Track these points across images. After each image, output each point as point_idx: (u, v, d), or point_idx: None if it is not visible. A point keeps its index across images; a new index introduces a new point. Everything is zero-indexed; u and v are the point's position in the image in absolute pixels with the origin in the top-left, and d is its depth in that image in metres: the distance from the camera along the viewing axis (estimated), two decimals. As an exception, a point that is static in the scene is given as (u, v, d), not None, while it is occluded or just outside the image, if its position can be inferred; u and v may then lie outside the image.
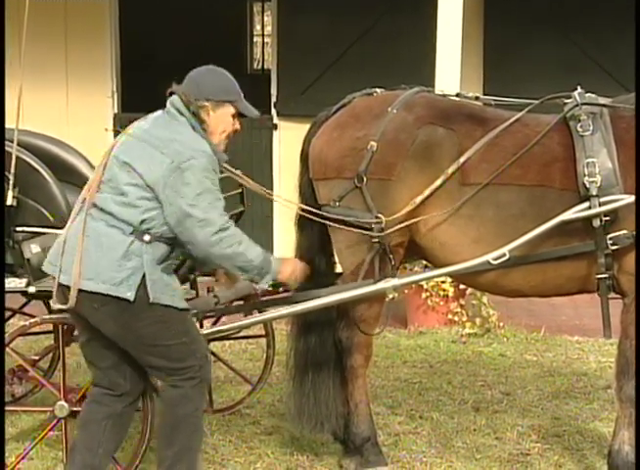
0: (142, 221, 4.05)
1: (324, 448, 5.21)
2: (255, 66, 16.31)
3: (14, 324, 5.85)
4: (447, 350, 7.14)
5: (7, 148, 4.91)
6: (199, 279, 5.36)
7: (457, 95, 4.96)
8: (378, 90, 4.91)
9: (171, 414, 4.22)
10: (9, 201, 4.90)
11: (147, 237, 4.06)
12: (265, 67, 15.56)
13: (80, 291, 4.05)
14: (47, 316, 5.07)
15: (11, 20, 5.64)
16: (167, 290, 4.12)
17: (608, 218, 4.45)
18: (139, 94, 9.17)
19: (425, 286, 7.34)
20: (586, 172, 4.46)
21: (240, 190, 5.56)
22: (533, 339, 7.37)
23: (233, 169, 4.65)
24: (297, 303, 4.73)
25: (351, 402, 4.93)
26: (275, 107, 9.13)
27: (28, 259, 4.96)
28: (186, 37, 12.93)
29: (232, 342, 6.73)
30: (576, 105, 4.61)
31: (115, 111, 9.30)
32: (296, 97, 8.86)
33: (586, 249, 4.51)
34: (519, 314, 7.79)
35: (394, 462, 5.09)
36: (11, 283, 4.94)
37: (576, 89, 4.71)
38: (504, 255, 4.49)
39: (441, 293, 7.40)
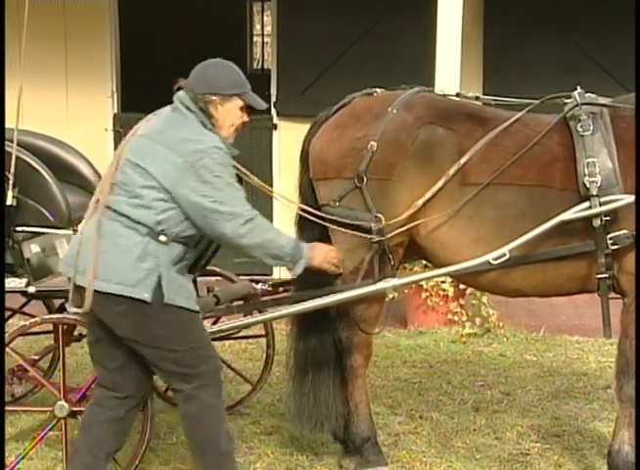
0: (158, 222, 4.03)
1: (324, 448, 5.21)
2: (255, 65, 16.31)
3: (14, 324, 5.84)
4: (447, 349, 7.14)
5: (7, 148, 4.91)
6: (199, 279, 5.36)
7: (457, 95, 4.96)
8: (378, 90, 4.91)
9: (196, 429, 4.20)
10: (9, 201, 4.90)
11: (163, 238, 4.04)
12: (265, 66, 15.56)
13: (96, 292, 4.03)
14: (47, 316, 5.08)
15: (11, 20, 5.64)
16: (182, 291, 4.11)
17: (608, 218, 4.45)
18: (139, 94, 9.18)
19: (424, 286, 7.34)
20: (586, 172, 4.47)
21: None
22: (533, 339, 7.37)
23: (239, 166, 4.63)
24: (297, 303, 4.73)
25: (351, 402, 4.93)
26: (275, 107, 9.12)
27: (28, 259, 4.97)
28: (186, 37, 12.93)
29: (232, 342, 6.73)
30: (576, 105, 4.61)
31: (115, 111, 9.30)
32: (295, 97, 8.86)
33: (586, 249, 4.51)
34: (519, 314, 7.79)
35: (394, 462, 5.09)
36: (11, 283, 4.94)
37: (576, 89, 4.72)
38: (504, 254, 4.50)
39: (441, 293, 7.41)
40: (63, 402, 4.60)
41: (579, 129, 4.55)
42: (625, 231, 4.46)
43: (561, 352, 7.08)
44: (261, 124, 8.98)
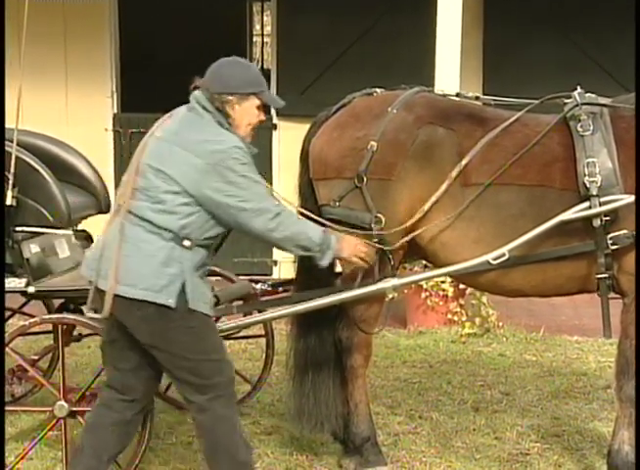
0: (182, 227, 3.99)
1: (324, 448, 5.21)
2: (255, 65, 16.30)
3: (13, 324, 5.84)
4: (447, 349, 7.14)
5: (7, 148, 4.91)
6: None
7: (457, 95, 4.96)
8: (378, 90, 4.91)
9: (209, 439, 4.19)
10: (8, 201, 4.90)
11: (187, 242, 4.01)
12: (265, 66, 15.55)
13: (119, 296, 3.99)
14: (47, 316, 5.08)
15: (11, 20, 5.64)
16: (204, 297, 4.09)
17: (608, 218, 4.45)
18: (139, 94, 9.19)
19: (424, 286, 7.34)
20: (586, 172, 4.47)
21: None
22: (533, 339, 7.37)
23: None
24: (296, 303, 4.73)
25: (351, 402, 4.93)
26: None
27: (28, 259, 4.97)
28: (186, 37, 12.91)
29: (232, 342, 6.72)
30: (576, 105, 4.62)
31: (115, 111, 9.28)
32: (295, 97, 8.86)
33: (586, 249, 4.51)
34: (518, 314, 7.79)
35: (394, 462, 5.09)
36: (10, 283, 4.94)
37: (576, 89, 4.72)
38: (504, 254, 4.50)
39: (441, 293, 7.41)
40: (62, 402, 4.61)
41: (579, 129, 4.55)
42: (625, 231, 4.46)
43: (560, 352, 7.08)
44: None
